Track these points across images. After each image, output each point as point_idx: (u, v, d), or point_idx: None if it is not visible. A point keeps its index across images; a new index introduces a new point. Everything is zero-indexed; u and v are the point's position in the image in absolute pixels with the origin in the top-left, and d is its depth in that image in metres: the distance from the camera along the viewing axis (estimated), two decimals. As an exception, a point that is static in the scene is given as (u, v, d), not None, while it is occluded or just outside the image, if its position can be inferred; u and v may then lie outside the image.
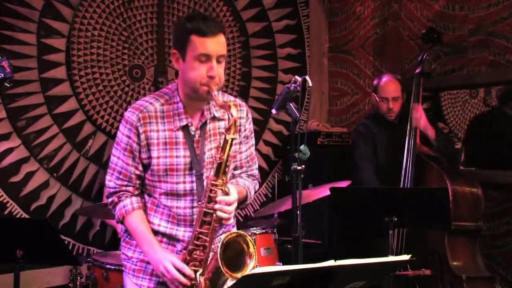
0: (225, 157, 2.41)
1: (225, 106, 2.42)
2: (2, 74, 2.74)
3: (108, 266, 3.50)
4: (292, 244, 2.89)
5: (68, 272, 3.72)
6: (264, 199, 5.31)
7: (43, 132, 4.52)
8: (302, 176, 2.76)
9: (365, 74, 5.18)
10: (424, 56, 4.16)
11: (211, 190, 2.42)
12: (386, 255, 3.30)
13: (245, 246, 2.38)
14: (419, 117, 3.98)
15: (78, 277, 3.64)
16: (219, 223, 2.46)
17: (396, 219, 3.44)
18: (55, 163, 4.56)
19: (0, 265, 3.74)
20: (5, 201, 4.36)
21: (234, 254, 2.37)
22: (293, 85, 2.79)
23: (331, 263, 1.92)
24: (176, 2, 4.95)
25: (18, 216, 4.37)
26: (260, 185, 5.31)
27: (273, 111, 2.90)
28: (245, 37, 5.31)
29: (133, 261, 2.60)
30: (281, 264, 3.77)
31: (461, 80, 4.45)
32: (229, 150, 2.42)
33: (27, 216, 4.40)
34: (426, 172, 3.89)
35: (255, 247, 2.39)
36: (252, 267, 2.35)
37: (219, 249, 2.29)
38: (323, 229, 4.37)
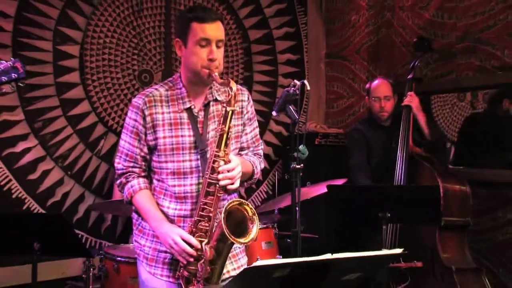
0: (226, 128, 2.43)
1: (225, 83, 2.45)
2: (15, 75, 2.74)
3: (119, 258, 3.50)
4: (292, 238, 2.90)
5: (81, 263, 3.69)
6: (265, 196, 5.31)
7: (58, 133, 4.53)
8: (301, 174, 2.77)
9: (360, 79, 5.19)
10: (416, 63, 4.18)
11: (214, 161, 2.42)
12: (380, 249, 3.30)
13: (246, 213, 2.39)
14: (411, 99, 3.99)
15: (91, 269, 3.63)
16: (225, 191, 2.46)
17: (389, 214, 3.45)
18: (69, 162, 4.57)
19: (19, 257, 3.75)
20: (23, 197, 4.37)
21: (237, 221, 2.38)
22: (292, 88, 2.79)
23: (328, 256, 1.92)
24: (179, 12, 4.96)
25: (35, 211, 4.38)
26: (261, 183, 5.32)
27: (274, 113, 2.92)
28: (247, 44, 5.32)
29: (145, 250, 2.60)
30: (281, 257, 3.76)
31: (450, 84, 4.46)
32: (230, 121, 2.44)
33: (43, 212, 4.41)
34: (419, 171, 3.89)
35: (256, 213, 2.39)
36: (255, 232, 2.36)
37: (222, 215, 2.30)
38: (320, 224, 4.38)
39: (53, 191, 4.50)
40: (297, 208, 2.80)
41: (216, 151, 2.43)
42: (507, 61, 4.05)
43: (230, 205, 2.35)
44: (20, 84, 2.76)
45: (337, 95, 5.50)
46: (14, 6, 4.31)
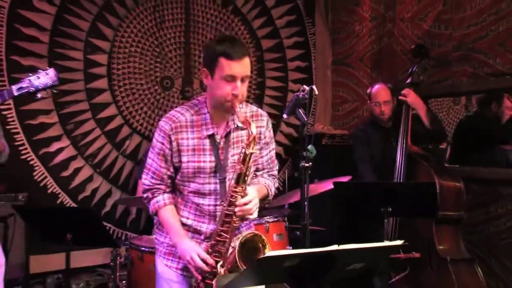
0: (244, 168, 2.40)
1: (246, 123, 2.41)
2: (50, 82, 2.77)
3: (143, 248, 3.50)
4: (301, 230, 2.88)
5: (109, 253, 3.72)
6: (276, 192, 5.26)
7: (88, 134, 4.55)
8: (309, 172, 2.74)
9: (364, 84, 5.17)
10: (413, 69, 4.14)
11: (231, 196, 2.41)
12: (381, 241, 3.31)
13: (260, 244, 2.38)
14: (407, 94, 3.96)
15: (118, 257, 3.65)
16: (241, 220, 2.46)
17: (390, 209, 3.45)
18: (98, 160, 4.59)
19: (54, 246, 3.74)
20: (57, 192, 4.41)
21: (250, 250, 2.37)
22: (302, 93, 2.77)
23: (334, 247, 1.93)
24: (201, 22, 4.97)
25: (68, 205, 4.42)
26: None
27: (284, 115, 2.89)
28: (260, 52, 5.31)
29: (164, 246, 2.61)
30: (291, 248, 3.77)
31: (446, 89, 4.45)
32: (248, 162, 2.41)
33: (75, 206, 4.44)
34: (417, 169, 3.88)
35: (267, 244, 2.38)
36: None
37: (237, 247, 2.31)
38: (327, 218, 4.37)
39: (83, 187, 4.53)
40: (305, 203, 2.78)
41: (234, 187, 2.41)
42: (498, 68, 4.04)
43: (245, 236, 2.36)
44: (54, 91, 2.79)
45: (343, 99, 5.49)
46: (50, 20, 4.36)
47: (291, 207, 4.23)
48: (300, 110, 2.76)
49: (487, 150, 4.20)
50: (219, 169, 2.50)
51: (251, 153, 2.41)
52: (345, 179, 3.92)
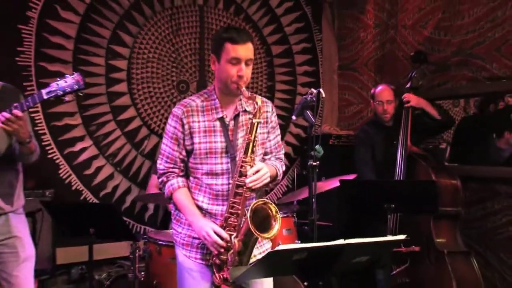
0: (252, 137, 2.44)
1: (252, 97, 2.46)
2: (76, 86, 2.79)
3: (161, 242, 3.51)
4: (309, 225, 2.89)
5: (129, 246, 3.72)
6: (286, 189, 5.32)
7: (109, 134, 4.58)
8: (317, 170, 2.76)
9: (368, 88, 5.14)
10: (413, 74, 4.15)
11: (241, 166, 2.43)
12: (384, 235, 3.31)
13: (269, 211, 2.39)
14: (409, 98, 3.95)
15: (137, 250, 3.64)
16: (251, 191, 2.46)
17: (393, 205, 3.46)
18: (118, 159, 4.62)
19: (78, 239, 3.77)
20: (80, 189, 4.45)
21: (261, 218, 2.38)
22: (310, 96, 2.78)
23: (340, 241, 1.94)
24: (215, 29, 4.97)
25: (90, 201, 4.45)
26: (282, 178, 5.32)
27: (293, 117, 2.90)
28: (270, 58, 5.32)
29: (182, 236, 2.62)
30: (300, 242, 3.76)
31: (446, 92, 4.43)
32: (256, 131, 2.44)
33: (97, 202, 4.47)
34: (416, 168, 3.87)
35: (278, 211, 2.39)
36: (277, 228, 2.36)
37: (248, 214, 2.31)
38: (333, 213, 4.36)
39: (105, 184, 4.56)
40: (313, 200, 2.79)
41: (244, 158, 2.43)
42: (495, 73, 4.02)
43: (256, 204, 2.36)
44: (80, 94, 2.81)
45: (348, 102, 5.48)
46: (75, 29, 4.40)
47: (299, 204, 4.24)
48: (308, 112, 2.78)
49: (484, 148, 4.19)
50: (229, 149, 2.52)
51: (258, 122, 2.45)
52: (350, 177, 3.92)
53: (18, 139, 2.84)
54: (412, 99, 3.97)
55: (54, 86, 2.77)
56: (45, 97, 2.75)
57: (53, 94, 2.75)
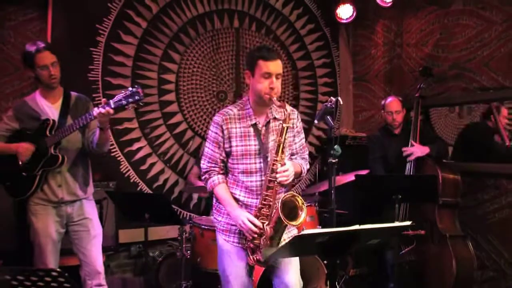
0: (282, 140, 2.45)
1: (282, 106, 2.47)
2: (138, 97, 2.83)
3: (203, 226, 3.55)
4: (328, 213, 2.89)
5: (177, 229, 3.77)
6: (309, 182, 5.30)
7: (160, 136, 4.61)
8: (335, 166, 2.76)
9: (379, 96, 5.12)
10: (421, 85, 4.14)
11: (273, 164, 2.44)
12: (393, 222, 3.29)
13: (297, 202, 2.39)
14: (412, 151, 3.86)
15: (184, 233, 3.70)
16: (281, 186, 2.47)
17: (400, 196, 3.44)
18: (168, 157, 4.64)
19: (136, 222, 3.83)
20: (137, 181, 4.49)
21: (290, 209, 2.39)
22: (329, 103, 2.77)
23: (356, 227, 1.95)
24: (248, 48, 4.98)
25: (145, 191, 4.49)
26: (306, 173, 5.32)
27: (315, 121, 2.91)
28: (295, 71, 5.31)
29: (222, 223, 2.65)
30: (321, 227, 3.77)
31: (443, 100, 4.41)
32: (285, 134, 2.45)
33: (151, 192, 4.50)
34: (424, 165, 3.87)
35: (304, 202, 2.39)
36: (303, 217, 2.36)
37: (279, 205, 2.32)
38: (350, 203, 4.34)
39: (157, 178, 4.58)
40: (332, 191, 2.79)
41: (275, 157, 2.44)
42: (484, 84, 4.03)
43: (285, 197, 2.37)
44: (140, 104, 2.86)
45: (362, 108, 5.44)
46: (133, 49, 4.44)
47: (320, 195, 4.23)
48: (328, 117, 2.78)
49: (485, 147, 4.14)
50: (262, 150, 2.53)
51: (287, 127, 2.45)
52: (364, 172, 3.90)
53: (102, 124, 2.90)
54: (416, 151, 3.85)
55: (120, 97, 2.82)
56: (112, 106, 2.82)
57: (119, 104, 2.81)
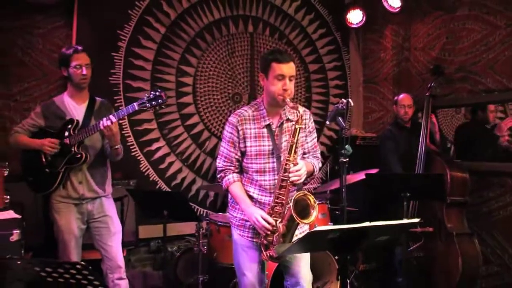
0: (295, 140, 2.44)
1: (295, 107, 2.47)
2: (161, 100, 2.86)
3: (219, 223, 3.56)
4: (339, 211, 2.89)
5: (194, 225, 3.78)
6: (321, 181, 5.29)
7: (178, 136, 4.63)
8: (346, 165, 2.74)
9: (388, 98, 5.10)
10: (432, 84, 4.12)
11: (286, 164, 2.44)
12: (402, 219, 3.27)
13: (309, 201, 2.39)
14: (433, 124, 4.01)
15: (201, 229, 3.72)
16: (293, 185, 2.46)
17: (409, 194, 3.42)
18: (185, 156, 4.66)
19: (155, 219, 3.87)
20: (156, 180, 4.51)
21: (302, 207, 2.38)
22: (340, 105, 2.77)
23: (366, 224, 1.94)
24: (262, 52, 4.97)
25: (164, 189, 4.50)
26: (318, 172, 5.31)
27: (327, 122, 2.91)
28: (308, 74, 5.30)
29: (237, 219, 2.66)
30: (332, 224, 3.76)
31: (450, 102, 4.39)
32: (298, 135, 2.44)
33: (169, 190, 4.52)
34: (433, 163, 3.84)
35: (316, 201, 2.39)
36: (315, 215, 2.36)
37: (291, 203, 2.32)
38: (360, 201, 4.33)
39: (175, 176, 4.60)
40: (343, 190, 2.78)
41: (288, 157, 2.43)
42: (489, 86, 4.01)
43: (298, 195, 2.37)
44: (163, 107, 2.88)
45: (371, 110, 5.41)
46: (152, 53, 4.47)
47: (332, 193, 4.21)
48: (339, 118, 2.76)
49: (483, 142, 4.15)
50: (275, 150, 2.53)
51: (300, 128, 2.45)
52: (374, 171, 3.89)
53: (110, 143, 2.95)
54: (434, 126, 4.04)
55: (144, 99, 2.85)
56: (136, 108, 2.86)
57: (143, 106, 2.84)
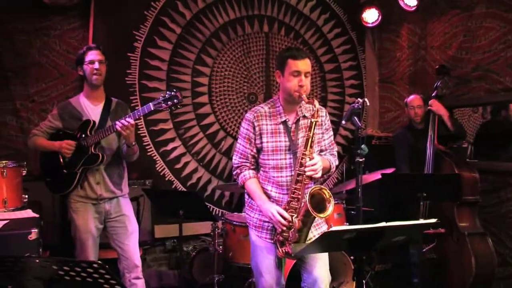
0: (311, 134, 2.43)
1: (311, 102, 2.46)
2: (176, 100, 2.86)
3: (235, 222, 3.56)
4: (355, 211, 2.86)
5: (210, 225, 3.80)
6: (336, 181, 5.25)
7: (193, 136, 4.64)
8: (362, 165, 2.73)
9: (403, 98, 5.01)
10: (437, 84, 4.07)
11: (302, 158, 2.43)
12: (417, 219, 3.24)
13: (324, 195, 2.37)
14: (432, 103, 3.91)
15: (216, 229, 3.72)
16: (310, 179, 2.44)
17: (424, 194, 3.40)
18: (201, 156, 4.67)
19: (171, 218, 3.87)
20: (172, 179, 4.53)
21: (317, 201, 2.37)
22: (356, 104, 2.73)
23: (382, 224, 1.92)
24: (278, 51, 4.96)
25: (180, 189, 4.52)
26: (334, 172, 5.28)
27: (343, 122, 2.86)
28: (323, 73, 5.27)
29: (254, 220, 2.64)
30: (348, 224, 3.74)
31: (467, 101, 4.33)
32: (314, 129, 2.43)
33: (185, 190, 4.53)
34: (442, 163, 3.80)
35: (331, 195, 2.37)
36: (331, 209, 2.34)
37: (307, 198, 2.31)
38: (376, 201, 4.29)
39: (191, 176, 4.61)
40: (359, 190, 2.75)
41: (304, 151, 2.43)
42: (508, 85, 3.94)
43: (313, 189, 2.35)
44: (179, 107, 2.89)
45: (387, 109, 5.37)
46: (168, 54, 4.49)
47: (347, 193, 4.19)
48: (355, 117, 2.74)
49: (502, 147, 4.07)
50: (291, 146, 2.52)
51: (315, 121, 2.43)
52: (389, 171, 3.86)
53: (127, 142, 2.97)
54: (434, 105, 3.91)
55: (160, 99, 2.86)
56: (152, 108, 2.87)
57: (159, 106, 2.85)
